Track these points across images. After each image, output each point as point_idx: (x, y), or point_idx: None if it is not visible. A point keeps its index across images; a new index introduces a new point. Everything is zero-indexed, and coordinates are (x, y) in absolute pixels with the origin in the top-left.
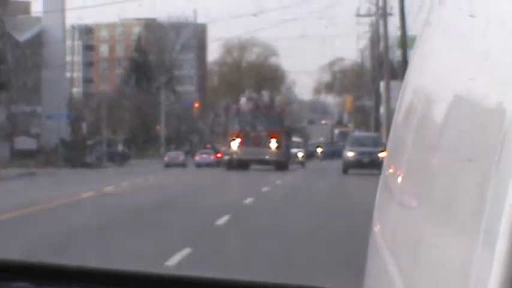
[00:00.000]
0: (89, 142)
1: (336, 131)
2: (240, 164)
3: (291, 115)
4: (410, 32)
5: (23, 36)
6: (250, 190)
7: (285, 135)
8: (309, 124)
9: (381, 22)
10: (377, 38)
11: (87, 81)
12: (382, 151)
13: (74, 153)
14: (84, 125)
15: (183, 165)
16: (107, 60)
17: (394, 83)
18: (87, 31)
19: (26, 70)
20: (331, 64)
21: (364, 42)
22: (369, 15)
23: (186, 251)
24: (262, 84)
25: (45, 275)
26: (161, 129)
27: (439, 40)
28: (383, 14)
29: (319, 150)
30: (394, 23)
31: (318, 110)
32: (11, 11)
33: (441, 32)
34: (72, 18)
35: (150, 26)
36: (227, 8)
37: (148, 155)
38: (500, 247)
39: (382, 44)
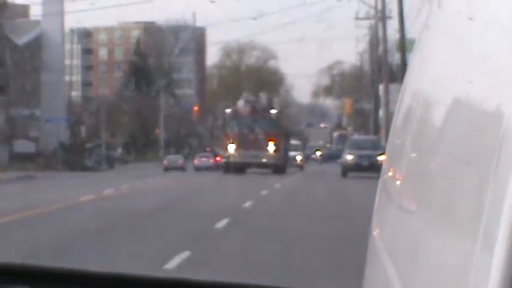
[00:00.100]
0: (88, 145)
1: (335, 134)
2: (237, 168)
3: (289, 118)
4: (409, 35)
5: (21, 40)
6: (249, 193)
7: (282, 138)
8: (308, 127)
9: (380, 25)
10: (376, 41)
11: (86, 84)
12: (381, 154)
13: (72, 157)
14: (83, 129)
15: (182, 168)
16: (106, 63)
17: (393, 86)
18: (86, 34)
19: (24, 73)
20: (330, 67)
21: (363, 45)
22: (367, 18)
23: (185, 254)
24: (261, 88)
25: (44, 278)
26: (160, 133)
27: (438, 43)
28: (382, 17)
29: (318, 153)
30: (393, 26)
31: (316, 113)
32: (9, 15)
33: (440, 35)
34: (71, 22)
35: (149, 29)
36: (226, 12)
37: (148, 159)
38: (499, 250)
39: (381, 47)
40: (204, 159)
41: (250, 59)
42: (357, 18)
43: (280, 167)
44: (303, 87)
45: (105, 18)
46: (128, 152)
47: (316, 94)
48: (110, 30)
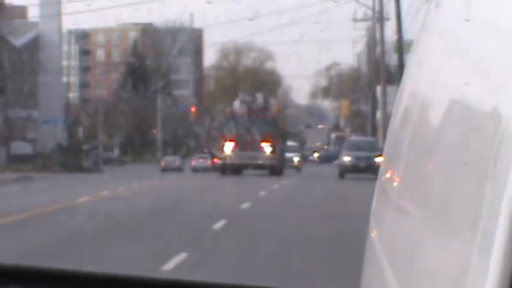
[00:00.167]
0: (85, 147)
1: (333, 136)
2: (233, 169)
3: (287, 119)
4: (406, 36)
5: (19, 41)
6: (247, 195)
7: (279, 139)
8: (306, 128)
9: (378, 27)
10: (373, 42)
11: (83, 85)
12: (379, 156)
13: (70, 158)
14: (80, 130)
15: (179, 169)
16: (104, 64)
17: (390, 88)
18: (83, 36)
19: (22, 75)
20: (328, 68)
21: (361, 46)
22: (365, 19)
23: (183, 255)
24: (259, 89)
25: (40, 279)
26: (158, 134)
27: (436, 45)
28: (379, 18)
29: (315, 154)
30: (390, 27)
31: (314, 114)
32: (7, 16)
33: (437, 36)
34: (69, 23)
35: (147, 30)
36: (223, 13)
37: (145, 160)
38: (497, 251)
39: (378, 49)
40: (201, 160)
41: (248, 60)
42: (355, 20)
43: (277, 168)
44: (300, 89)
45: (103, 19)
46: (125, 153)
47: (313, 95)
48: (107, 31)
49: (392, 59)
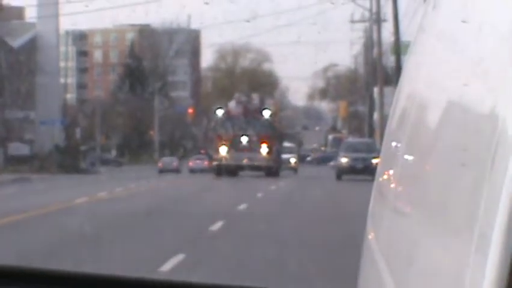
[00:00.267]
0: (83, 148)
1: (330, 137)
2: (229, 170)
3: (285, 121)
4: (404, 37)
5: (16, 42)
6: (244, 196)
7: (276, 140)
8: (303, 130)
9: (375, 28)
10: (371, 44)
11: (80, 87)
12: (376, 157)
13: (67, 159)
14: (78, 131)
15: (177, 170)
16: (101, 66)
17: (387, 89)
18: (81, 37)
19: (19, 76)
20: (325, 70)
21: (358, 48)
22: (362, 21)
23: (180, 256)
24: (256, 90)
25: (38, 280)
26: (155, 135)
27: (433, 46)
28: (377, 19)
29: (313, 155)
30: (387, 28)
31: (311, 116)
32: (4, 17)
33: (435, 37)
34: (66, 24)
35: (144, 31)
36: (221, 14)
37: (142, 161)
38: (495, 252)
39: (375, 50)
40: (198, 161)
41: (245, 62)
42: (352, 21)
43: (273, 169)
44: (298, 90)
45: (100, 20)
46: (122, 154)
47: (311, 97)
48: (104, 32)
49: (390, 60)
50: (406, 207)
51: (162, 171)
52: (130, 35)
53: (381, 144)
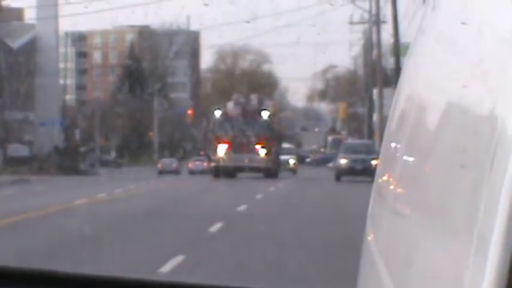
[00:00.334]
0: (82, 149)
1: (329, 138)
2: (227, 172)
3: (284, 122)
4: (403, 39)
5: (16, 43)
6: (244, 197)
7: (274, 141)
8: (302, 131)
9: (374, 29)
10: (370, 45)
11: (80, 88)
12: (375, 158)
13: (67, 160)
14: (77, 132)
15: (176, 172)
16: (100, 67)
17: (387, 91)
18: (80, 38)
19: (19, 77)
20: (325, 71)
21: (357, 49)
22: (362, 22)
23: (180, 258)
24: (255, 91)
25: (37, 281)
26: (154, 136)
27: (432, 47)
28: (376, 21)
29: (312, 157)
30: (387, 30)
31: (311, 117)
32: (4, 18)
33: (434, 39)
34: (66, 25)
35: (143, 33)
36: (220, 15)
37: (142, 162)
38: (494, 254)
39: (375, 52)
40: (198, 162)
41: (244, 63)
42: (351, 23)
43: (271, 171)
44: (297, 91)
45: (100, 21)
46: (121, 156)
47: (310, 98)
48: (104, 33)
49: (389, 61)
50: (405, 208)
51: (161, 172)
52: (129, 36)
53: (380, 145)
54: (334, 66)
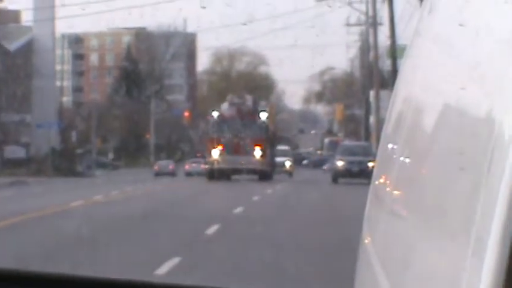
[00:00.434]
0: (79, 151)
1: (326, 140)
2: (221, 174)
3: (281, 124)
4: (400, 41)
5: (13, 45)
6: (240, 199)
7: (270, 142)
8: (299, 133)
9: (371, 31)
10: (367, 47)
11: (77, 90)
12: (372, 160)
13: (64, 162)
14: (74, 134)
15: (173, 174)
16: (97, 69)
17: (384, 93)
18: (77, 40)
19: (16, 79)
20: (321, 73)
21: (354, 51)
22: (358, 24)
23: (176, 260)
24: (252, 93)
25: (34, 283)
26: (151, 138)
27: (429, 49)
28: (373, 23)
29: (309, 159)
30: (384, 32)
31: (308, 119)
32: (1, 20)
33: (431, 41)
34: (62, 27)
35: (140, 35)
36: (217, 17)
37: (138, 164)
38: (491, 256)
39: (372, 54)
40: (194, 164)
41: (241, 65)
42: (348, 25)
43: (266, 173)
44: (294, 93)
45: (96, 23)
46: (118, 157)
47: (307, 100)
48: (100, 35)
49: (386, 63)
50: (402, 210)
51: (158, 174)
52: (126, 38)
53: (377, 147)
54: (331, 68)
